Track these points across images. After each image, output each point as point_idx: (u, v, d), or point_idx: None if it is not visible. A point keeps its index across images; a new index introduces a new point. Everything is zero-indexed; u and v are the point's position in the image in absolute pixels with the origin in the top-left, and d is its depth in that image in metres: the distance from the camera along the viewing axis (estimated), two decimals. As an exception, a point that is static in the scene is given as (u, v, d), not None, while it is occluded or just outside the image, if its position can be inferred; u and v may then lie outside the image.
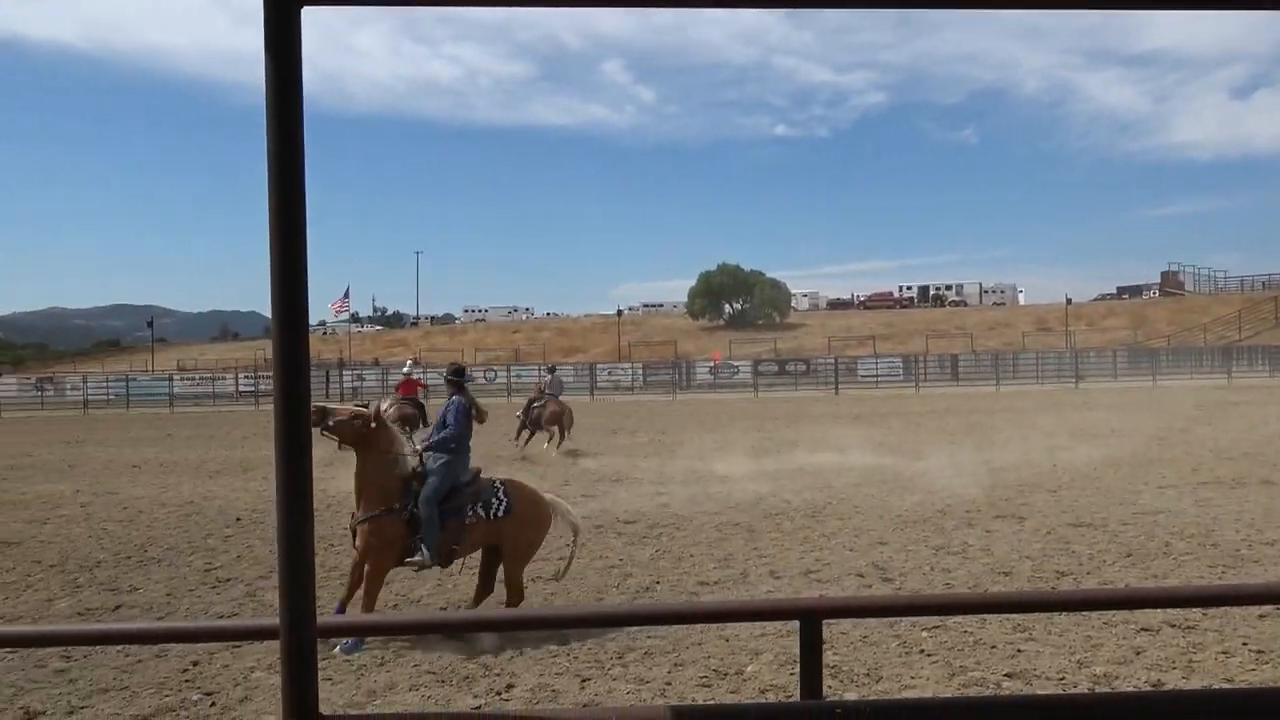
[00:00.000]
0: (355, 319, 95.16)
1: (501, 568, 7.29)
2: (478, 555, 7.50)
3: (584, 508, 11.99)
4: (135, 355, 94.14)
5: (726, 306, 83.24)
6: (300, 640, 1.56)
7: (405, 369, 23.05)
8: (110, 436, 26.65)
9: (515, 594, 7.21)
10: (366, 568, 6.98)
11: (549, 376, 22.45)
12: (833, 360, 47.06)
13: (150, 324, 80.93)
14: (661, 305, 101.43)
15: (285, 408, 1.54)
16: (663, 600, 7.58)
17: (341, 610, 7.05)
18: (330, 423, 6.99)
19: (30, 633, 2.28)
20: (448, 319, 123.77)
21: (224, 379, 49.11)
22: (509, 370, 47.15)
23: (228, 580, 8.66)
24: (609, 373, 48.67)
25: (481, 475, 7.42)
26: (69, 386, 47.37)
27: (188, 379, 49.23)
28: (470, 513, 7.09)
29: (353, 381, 46.08)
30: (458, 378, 7.69)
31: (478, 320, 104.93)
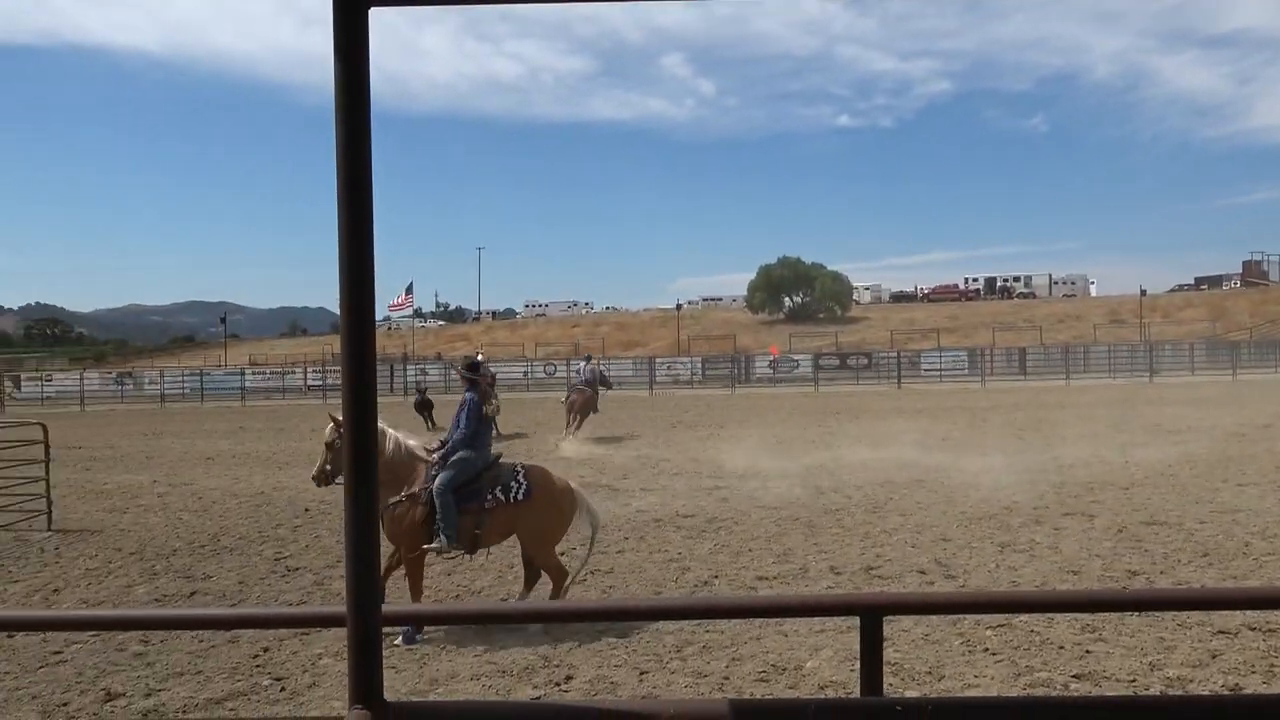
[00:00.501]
0: (418, 314, 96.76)
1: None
2: (513, 544, 7.58)
3: (642, 500, 12.04)
4: (209, 351, 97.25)
5: (787, 300, 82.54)
6: (366, 627, 1.60)
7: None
8: (185, 429, 27.58)
9: (556, 577, 7.25)
10: (399, 556, 7.17)
11: (584, 364, 23.91)
12: (895, 354, 46.31)
13: (223, 320, 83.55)
14: (721, 299, 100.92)
15: (353, 402, 1.58)
16: (721, 594, 7.57)
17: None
18: (328, 467, 7.22)
19: (111, 617, 2.39)
20: (509, 314, 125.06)
21: (293, 373, 50.35)
22: (568, 364, 47.38)
23: (296, 569, 8.91)
24: (668, 367, 48.63)
25: (502, 460, 7.51)
26: (147, 381, 49.07)
27: (259, 374, 50.55)
28: (490, 497, 7.13)
29: (416, 375, 46.77)
30: (471, 373, 7.66)
31: (538, 315, 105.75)
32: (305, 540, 10.26)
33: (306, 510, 12.10)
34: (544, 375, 48.69)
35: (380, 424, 7.67)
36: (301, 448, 20.58)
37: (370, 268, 1.57)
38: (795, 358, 49.00)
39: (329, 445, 7.24)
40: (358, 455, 1.61)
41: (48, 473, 11.62)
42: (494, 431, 7.91)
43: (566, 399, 21.59)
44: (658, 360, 49.34)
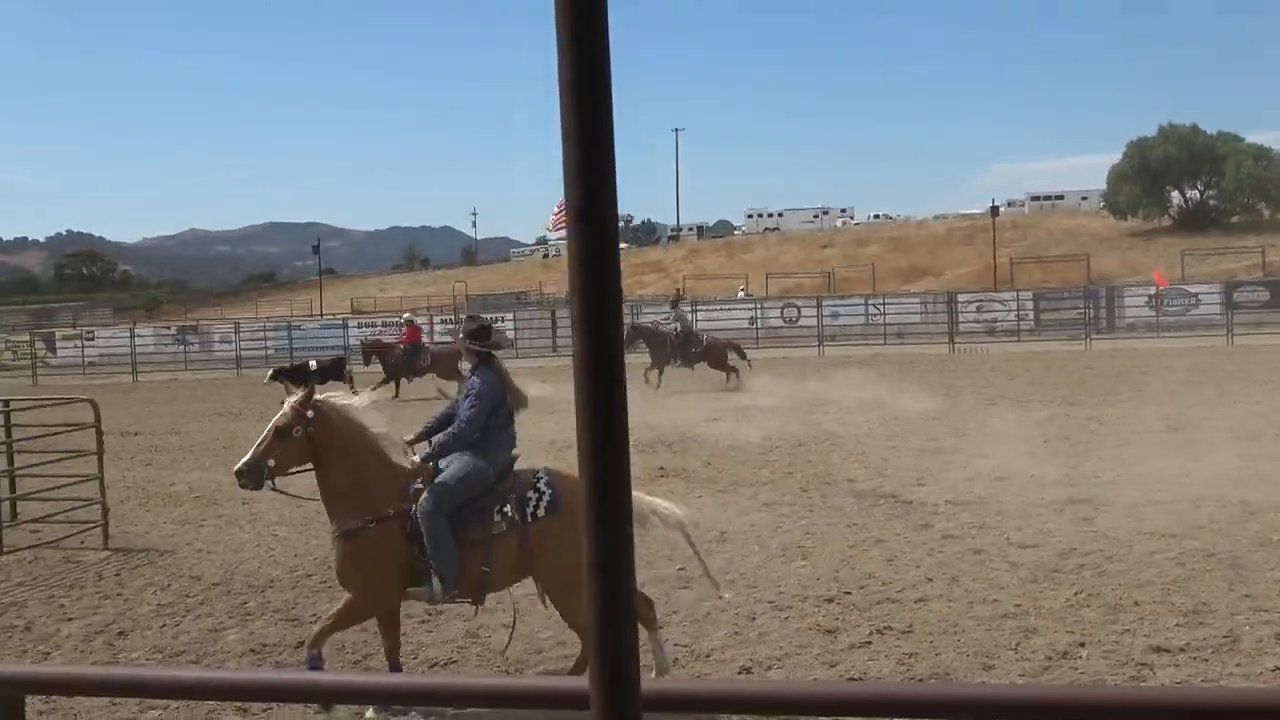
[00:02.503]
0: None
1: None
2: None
3: (951, 520, 11.87)
4: (296, 293, 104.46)
5: (1175, 196, 78.50)
6: (619, 713, 1.61)
7: (405, 316, 35.09)
8: (273, 405, 29.63)
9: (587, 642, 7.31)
10: (346, 603, 7.41)
11: (672, 312, 30.21)
12: (1369, 280, 42.88)
13: (316, 249, 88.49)
14: (1062, 197, 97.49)
15: (590, 372, 1.57)
16: (1098, 681, 7.32)
17: (395, 668, 7.52)
18: (271, 463, 7.31)
19: (200, 681, 2.55)
20: (723, 229, 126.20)
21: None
22: (818, 306, 47.24)
23: (441, 610, 9.38)
24: (978, 307, 47.45)
25: (517, 467, 7.58)
26: (217, 338, 53.18)
27: (367, 325, 53.39)
28: (497, 515, 7.19)
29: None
30: (479, 342, 7.67)
31: (768, 230, 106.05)
32: (447, 571, 10.81)
33: (448, 525, 12.76)
34: (782, 323, 48.79)
35: (327, 394, 7.75)
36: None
37: (610, 163, 1.56)
38: (1191, 290, 46.57)
39: (283, 430, 7.31)
40: (597, 460, 1.60)
41: (101, 470, 12.86)
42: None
43: (694, 351, 28.17)
44: (962, 297, 48.24)
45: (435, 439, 7.47)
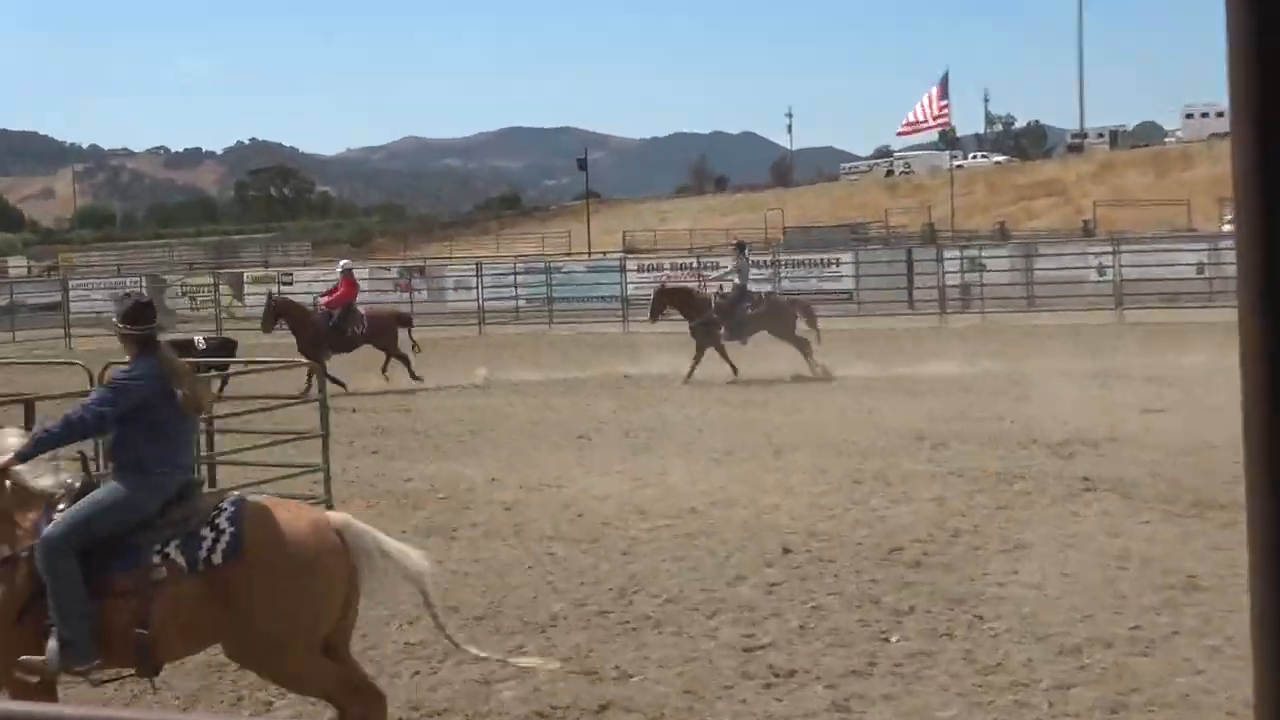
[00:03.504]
0: (948, 140, 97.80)
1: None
2: None
3: None
4: (549, 222, 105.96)
5: None
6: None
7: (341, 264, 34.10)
8: (527, 378, 29.88)
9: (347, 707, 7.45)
10: None
11: (733, 262, 29.98)
12: None
13: (583, 164, 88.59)
14: None
15: (1267, 345, 1.56)
16: None
17: None
18: None
19: None
20: (1149, 134, 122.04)
21: (717, 264, 52.79)
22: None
23: (791, 673, 9.30)
24: None
25: (203, 491, 7.74)
26: (451, 283, 54.06)
27: (650, 267, 52.34)
28: (156, 557, 7.12)
29: (958, 271, 47.01)
30: (137, 325, 7.65)
31: (1217, 135, 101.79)
32: (795, 612, 10.72)
33: (787, 551, 12.70)
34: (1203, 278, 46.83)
35: None
36: (756, 420, 21.58)
37: None
38: None
39: None
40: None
41: (326, 460, 13.31)
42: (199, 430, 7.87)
43: (745, 314, 27.31)
44: None
45: (42, 429, 7.62)
